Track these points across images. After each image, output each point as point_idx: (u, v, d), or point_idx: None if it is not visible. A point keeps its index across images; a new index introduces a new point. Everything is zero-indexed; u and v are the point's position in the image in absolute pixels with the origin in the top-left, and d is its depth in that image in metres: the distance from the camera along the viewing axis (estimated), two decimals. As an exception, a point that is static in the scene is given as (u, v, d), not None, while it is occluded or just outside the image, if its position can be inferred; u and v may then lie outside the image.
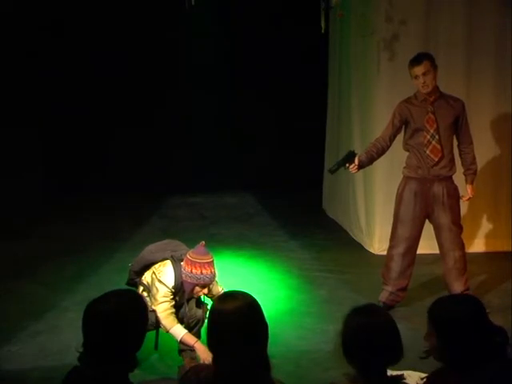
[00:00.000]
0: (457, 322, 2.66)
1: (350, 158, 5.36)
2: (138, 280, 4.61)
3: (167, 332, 4.29)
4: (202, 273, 4.25)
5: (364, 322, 2.64)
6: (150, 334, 4.25)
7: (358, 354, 2.59)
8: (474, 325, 2.67)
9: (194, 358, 4.32)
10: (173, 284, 4.35)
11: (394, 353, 2.61)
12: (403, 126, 5.50)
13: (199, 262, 4.26)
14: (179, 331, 4.24)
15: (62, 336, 5.07)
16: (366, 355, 2.57)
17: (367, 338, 2.58)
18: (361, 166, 5.39)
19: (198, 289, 4.33)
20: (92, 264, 6.74)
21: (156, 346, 4.43)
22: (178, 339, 4.26)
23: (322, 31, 6.19)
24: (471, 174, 5.54)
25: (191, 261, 4.28)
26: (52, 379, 4.17)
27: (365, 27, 7.15)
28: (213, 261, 4.33)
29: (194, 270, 4.25)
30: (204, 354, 4.05)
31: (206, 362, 3.95)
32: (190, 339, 4.23)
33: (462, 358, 2.62)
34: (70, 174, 9.68)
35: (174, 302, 4.36)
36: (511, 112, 7.02)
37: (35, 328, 5.25)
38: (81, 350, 2.57)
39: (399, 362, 2.62)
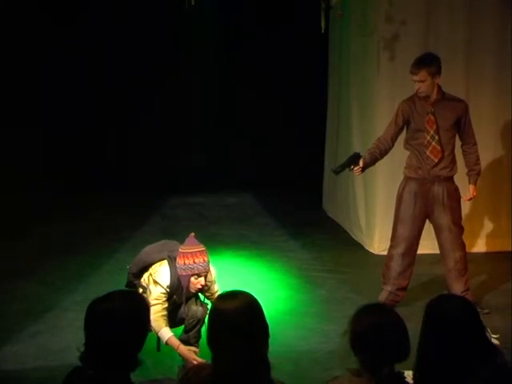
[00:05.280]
0: (450, 319, 2.68)
1: (354, 159, 5.36)
2: (137, 282, 4.61)
3: (156, 334, 4.31)
4: (194, 262, 4.29)
5: (375, 320, 2.67)
6: (152, 335, 4.25)
7: (367, 352, 2.62)
8: (466, 325, 2.68)
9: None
10: (168, 283, 4.36)
11: (402, 351, 2.64)
12: (405, 126, 5.51)
13: (190, 252, 4.31)
14: (165, 334, 4.29)
15: (62, 336, 5.06)
16: (376, 353, 2.61)
17: (378, 337, 2.62)
18: (364, 168, 5.40)
19: (194, 280, 4.33)
20: (92, 264, 6.74)
21: (158, 348, 4.43)
22: (164, 342, 4.31)
23: (322, 31, 6.21)
24: (474, 174, 5.53)
25: (183, 253, 4.33)
26: (52, 379, 4.18)
27: (364, 27, 7.15)
28: (205, 250, 4.38)
29: (186, 261, 4.30)
30: (188, 356, 4.18)
31: (194, 362, 4.02)
32: (174, 342, 4.29)
33: (450, 360, 2.63)
34: (70, 174, 9.67)
35: (166, 305, 4.38)
36: (511, 112, 7.02)
37: (35, 328, 5.25)
38: (82, 349, 2.58)
39: (406, 359, 2.65)
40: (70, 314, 5.40)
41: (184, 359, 4.37)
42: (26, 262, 6.81)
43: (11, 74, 8.62)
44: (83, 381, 2.54)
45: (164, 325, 4.30)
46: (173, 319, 4.48)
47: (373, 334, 2.63)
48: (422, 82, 5.27)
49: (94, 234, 7.85)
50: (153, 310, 4.22)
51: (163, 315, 4.33)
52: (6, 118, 8.53)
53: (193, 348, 4.31)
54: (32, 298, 5.89)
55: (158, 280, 4.36)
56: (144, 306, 2.69)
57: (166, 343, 4.30)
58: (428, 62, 5.31)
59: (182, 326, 4.59)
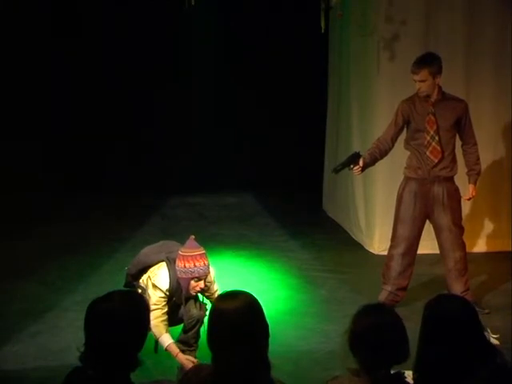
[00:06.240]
0: (449, 319, 2.68)
1: (354, 158, 5.38)
2: (135, 283, 4.60)
3: (156, 340, 4.31)
4: (195, 265, 4.26)
5: (375, 321, 2.67)
6: (151, 336, 4.25)
7: (366, 353, 2.63)
8: (465, 325, 2.68)
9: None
10: (167, 287, 4.35)
11: (401, 352, 2.64)
12: (405, 126, 5.51)
13: (191, 255, 4.28)
14: (166, 340, 4.28)
15: (62, 336, 5.07)
16: (375, 354, 2.61)
17: (378, 338, 2.62)
18: (364, 168, 5.40)
19: (193, 283, 4.32)
20: (92, 264, 6.74)
21: (156, 349, 4.41)
22: (164, 348, 4.31)
23: (322, 31, 6.21)
24: (474, 174, 5.53)
25: (183, 256, 4.30)
26: (52, 379, 4.17)
27: (364, 27, 7.14)
28: (205, 253, 4.36)
29: (186, 264, 4.26)
30: (186, 365, 4.14)
31: None
32: (174, 350, 4.28)
33: (449, 360, 2.63)
34: (70, 174, 9.67)
35: (166, 309, 4.37)
36: (511, 112, 7.02)
37: (35, 328, 5.25)
38: (82, 349, 2.58)
39: (406, 361, 2.65)
40: (70, 314, 5.40)
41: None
42: (26, 262, 6.80)
43: (11, 73, 8.62)
44: (83, 381, 2.54)
45: (164, 331, 4.30)
46: (172, 319, 4.48)
47: (373, 334, 2.63)
48: (422, 81, 5.27)
49: (94, 234, 7.86)
50: (153, 315, 4.20)
51: (163, 320, 4.33)
52: (5, 117, 8.52)
53: (191, 358, 4.30)
54: (32, 298, 5.89)
55: (157, 284, 4.34)
56: (144, 306, 2.69)
57: (166, 350, 4.30)
58: (429, 62, 5.31)
59: (181, 325, 4.59)
